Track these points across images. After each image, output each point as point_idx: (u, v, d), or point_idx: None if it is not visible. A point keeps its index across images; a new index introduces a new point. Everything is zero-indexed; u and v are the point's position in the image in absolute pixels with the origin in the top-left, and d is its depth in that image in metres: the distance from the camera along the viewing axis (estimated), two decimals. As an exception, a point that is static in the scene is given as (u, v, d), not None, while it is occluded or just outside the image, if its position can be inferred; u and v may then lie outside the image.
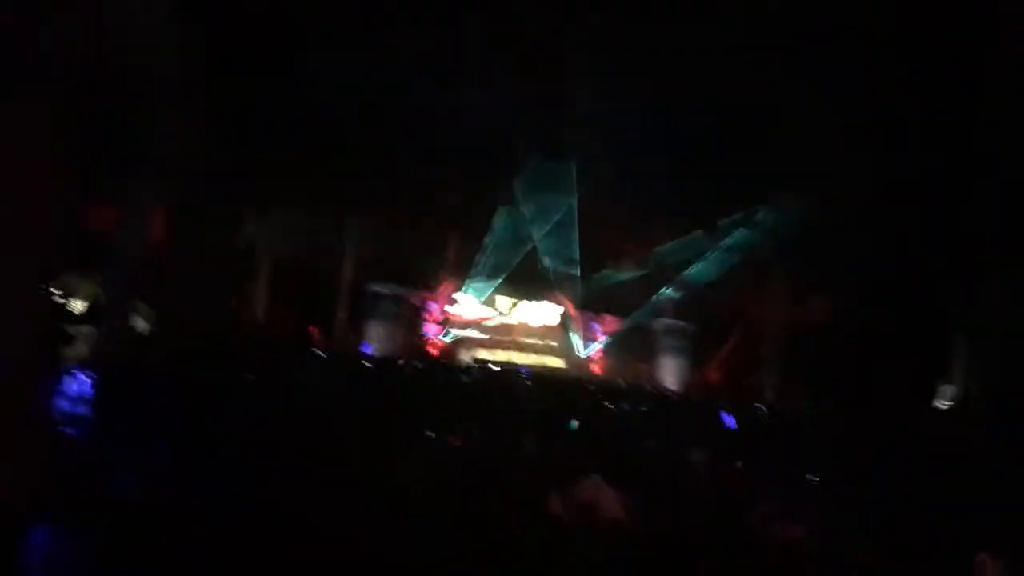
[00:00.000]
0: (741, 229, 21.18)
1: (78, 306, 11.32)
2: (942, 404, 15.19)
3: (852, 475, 6.74)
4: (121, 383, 7.25)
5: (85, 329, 9.07)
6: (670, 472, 6.70)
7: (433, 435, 6.40)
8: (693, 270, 23.33)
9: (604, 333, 25.70)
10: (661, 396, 17.54)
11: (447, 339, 25.37)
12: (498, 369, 21.30)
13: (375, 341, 23.79)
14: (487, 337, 25.62)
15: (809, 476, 6.62)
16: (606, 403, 13.14)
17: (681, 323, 24.72)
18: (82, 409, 5.95)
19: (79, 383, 6.74)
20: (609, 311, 25.56)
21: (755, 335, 23.28)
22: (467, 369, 20.65)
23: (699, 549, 4.64)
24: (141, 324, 12.87)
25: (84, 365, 7.97)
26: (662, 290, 24.73)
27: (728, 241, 21.80)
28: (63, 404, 6.26)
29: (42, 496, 3.60)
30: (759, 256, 21.12)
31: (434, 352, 24.81)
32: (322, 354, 15.98)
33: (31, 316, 3.79)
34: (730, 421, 11.77)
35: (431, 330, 25.43)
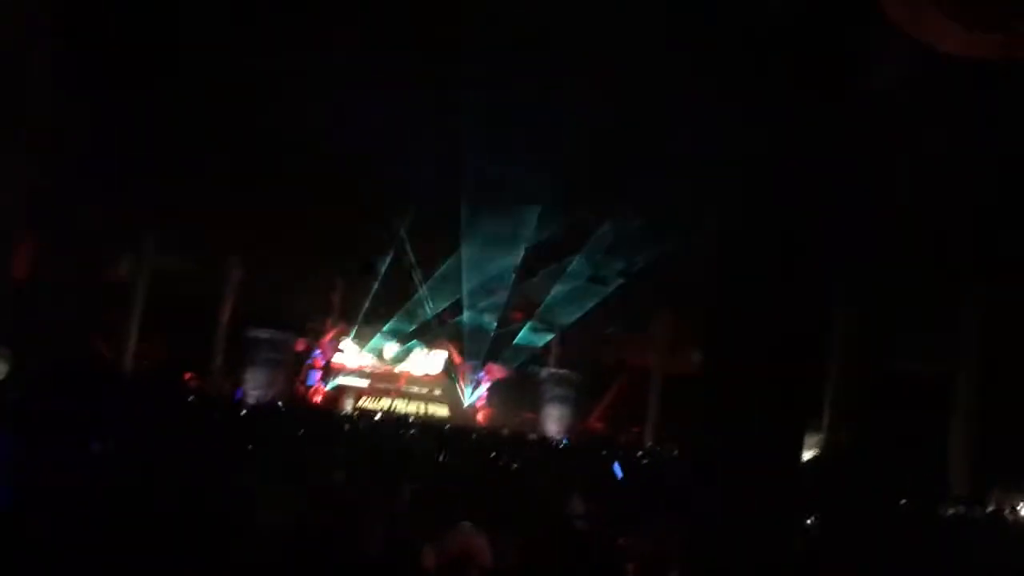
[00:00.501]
0: (623, 282, 21.69)
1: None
2: (809, 453, 15.83)
3: (729, 521, 6.89)
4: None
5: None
6: (548, 520, 6.71)
7: (301, 480, 6.25)
8: (578, 318, 23.75)
9: (489, 381, 25.76)
10: (543, 443, 17.66)
11: (330, 386, 24.90)
12: (380, 417, 21.03)
13: (253, 387, 23.08)
14: (371, 385, 25.30)
15: (685, 522, 6.74)
16: (490, 451, 13.12)
17: (564, 371, 25.02)
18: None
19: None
20: (494, 360, 25.67)
21: (636, 384, 23.82)
22: (349, 416, 20.31)
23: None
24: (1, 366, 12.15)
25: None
26: (547, 339, 25.08)
27: (611, 293, 22.29)
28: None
29: None
30: (639, 307, 21.69)
31: (317, 399, 24.30)
32: (191, 397, 15.41)
33: None
34: (614, 467, 11.91)
35: (313, 377, 24.91)
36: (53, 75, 10.36)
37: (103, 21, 10.92)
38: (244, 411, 14.90)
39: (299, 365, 24.89)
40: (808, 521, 8.02)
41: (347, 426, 15.62)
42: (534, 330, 24.82)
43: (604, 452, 16.10)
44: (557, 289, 23.20)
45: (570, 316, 23.95)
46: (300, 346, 24.74)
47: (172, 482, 5.62)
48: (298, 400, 23.45)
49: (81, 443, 6.19)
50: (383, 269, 20.02)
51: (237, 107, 14.23)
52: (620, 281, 21.49)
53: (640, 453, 17.18)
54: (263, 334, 23.39)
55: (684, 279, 15.96)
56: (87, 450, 6.18)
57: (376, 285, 23.21)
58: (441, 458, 10.64)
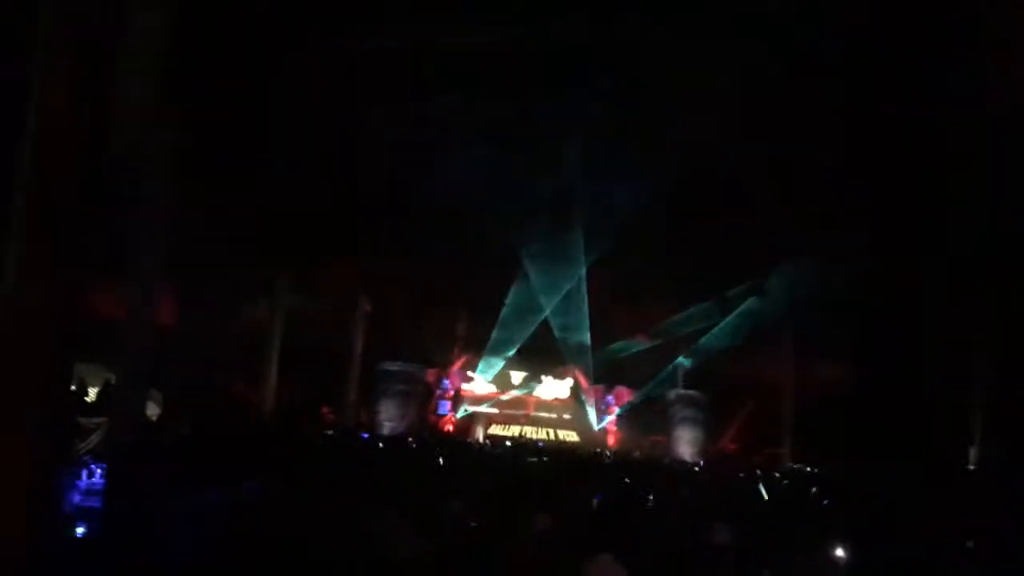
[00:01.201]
0: (750, 297, 21.16)
1: (91, 395, 11.33)
2: (968, 465, 14.94)
3: (880, 542, 6.57)
4: (134, 472, 7.22)
5: (96, 419, 9.07)
6: (690, 551, 6.55)
7: (445, 510, 6.32)
8: (704, 339, 23.31)
9: (618, 405, 25.52)
10: (680, 469, 17.30)
11: (460, 415, 25.22)
12: (511, 444, 21.13)
13: (386, 418, 23.65)
14: (500, 412, 25.46)
15: (834, 549, 6.45)
16: (624, 478, 12.97)
17: (695, 392, 24.53)
18: (94, 502, 5.91)
19: (92, 475, 6.73)
20: (622, 383, 25.44)
21: (770, 401, 23.07)
22: (480, 445, 20.50)
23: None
24: (153, 410, 12.87)
25: (97, 456, 7.96)
26: (675, 360, 24.69)
27: (738, 309, 21.80)
28: (76, 498, 6.23)
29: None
30: (768, 323, 21.09)
31: (448, 429, 24.64)
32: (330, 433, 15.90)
33: (47, 408, 3.81)
34: (759, 489, 11.58)
35: (444, 407, 25.30)
36: (185, 130, 10.97)
37: (227, 73, 11.49)
38: (381, 444, 15.29)
39: (429, 395, 25.33)
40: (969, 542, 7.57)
41: (477, 455, 15.80)
42: (662, 351, 24.47)
43: (742, 475, 15.70)
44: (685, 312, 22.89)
45: (699, 336, 23.53)
46: (430, 377, 25.21)
47: (319, 516, 5.81)
48: (430, 430, 23.84)
49: (232, 482, 6.44)
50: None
51: (359, 155, 14.75)
52: (751, 299, 20.96)
53: (779, 475, 16.62)
54: (393, 367, 23.99)
55: (819, 297, 15.47)
56: (238, 489, 6.42)
57: (503, 313, 23.38)
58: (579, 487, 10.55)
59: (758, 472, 15.64)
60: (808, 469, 17.64)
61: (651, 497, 10.53)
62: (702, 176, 14.78)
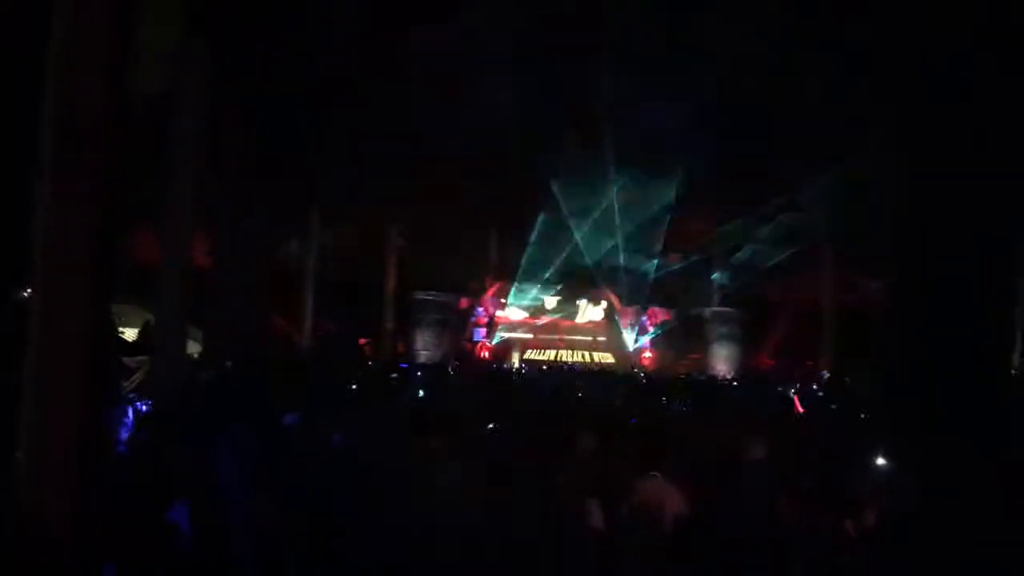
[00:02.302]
0: (787, 211, 20.75)
1: (130, 334, 11.51)
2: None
3: (929, 455, 6.49)
4: (177, 409, 7.33)
5: (139, 358, 9.22)
6: (735, 467, 6.55)
7: (487, 432, 6.38)
8: (740, 255, 23.08)
9: (652, 325, 25.51)
10: (718, 384, 17.32)
11: (495, 341, 25.39)
12: (547, 368, 21.28)
13: (423, 347, 23.91)
14: (535, 337, 25.57)
15: (883, 460, 6.39)
16: (660, 395, 13.03)
17: (731, 309, 24.40)
18: (141, 437, 6.02)
19: (136, 411, 6.83)
20: (657, 303, 25.36)
21: (808, 317, 22.90)
22: (517, 370, 20.66)
23: (768, 546, 4.52)
24: (193, 348, 13.05)
25: (140, 393, 8.09)
26: (711, 278, 24.50)
27: (774, 224, 21.44)
28: (122, 433, 6.34)
29: (98, 530, 3.62)
30: (806, 237, 20.78)
31: (484, 355, 24.86)
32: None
33: (88, 344, 3.82)
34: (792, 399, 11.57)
35: (479, 334, 25.48)
36: (215, 66, 10.87)
37: (253, 20, 11.34)
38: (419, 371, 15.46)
39: (464, 323, 25.51)
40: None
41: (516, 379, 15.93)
42: (697, 269, 24.29)
43: (779, 388, 15.69)
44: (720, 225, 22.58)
45: (732, 252, 23.30)
46: (463, 305, 25.35)
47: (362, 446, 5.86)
48: (466, 356, 24.07)
49: (275, 420, 6.51)
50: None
51: (389, 93, 14.59)
52: (788, 213, 20.57)
53: (816, 387, 16.59)
54: (427, 296, 24.17)
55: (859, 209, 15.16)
56: (279, 426, 6.49)
57: (533, 237, 23.29)
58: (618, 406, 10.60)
59: (796, 385, 15.62)
60: (846, 380, 17.52)
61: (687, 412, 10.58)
62: (735, 87, 14.40)
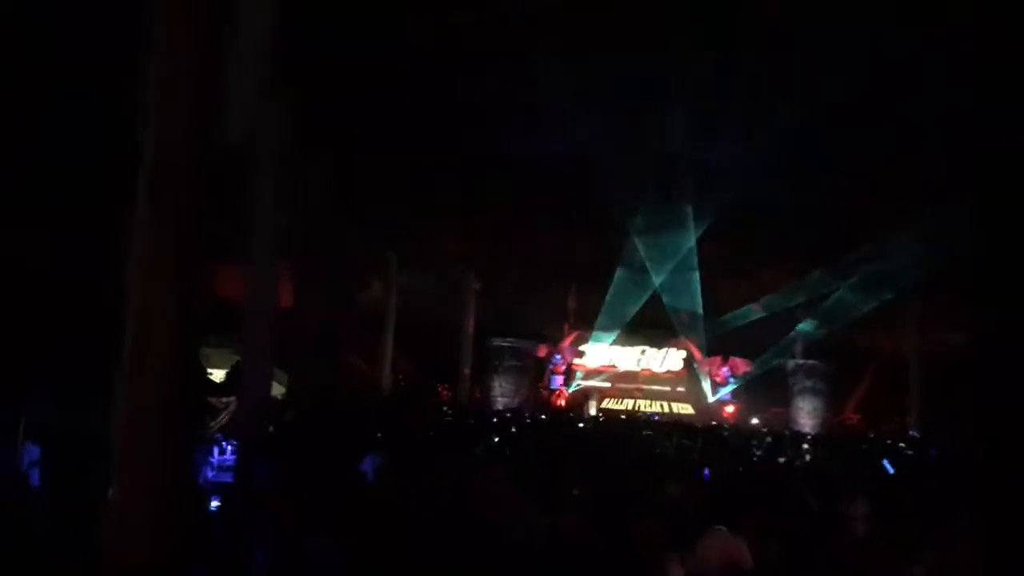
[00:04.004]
0: (872, 262, 20.24)
1: (218, 375, 11.87)
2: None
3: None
4: (263, 449, 7.53)
5: (226, 398, 9.50)
6: (814, 524, 6.38)
7: (563, 487, 6.34)
8: (824, 307, 22.54)
9: (733, 376, 25.03)
10: (802, 439, 16.85)
11: (572, 389, 25.26)
12: (624, 417, 21.05)
13: (500, 394, 23.95)
14: (613, 386, 25.35)
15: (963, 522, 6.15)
16: (745, 450, 12.77)
17: (814, 362, 23.79)
18: (226, 477, 6.20)
19: (223, 451, 7.05)
20: (737, 354, 24.90)
21: (894, 371, 22.17)
22: (594, 419, 20.51)
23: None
24: (277, 389, 13.37)
25: (226, 433, 8.34)
26: (794, 329, 23.95)
27: (859, 275, 20.91)
28: (208, 473, 6.54)
29: (183, 564, 3.75)
30: (891, 289, 20.20)
31: (560, 403, 24.74)
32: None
33: (178, 385, 3.99)
34: (883, 463, 11.16)
35: (556, 381, 25.40)
36: (296, 113, 11.28)
37: (335, 55, 11.72)
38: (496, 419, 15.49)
39: (541, 371, 25.48)
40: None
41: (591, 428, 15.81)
42: (780, 321, 23.78)
43: (865, 446, 15.19)
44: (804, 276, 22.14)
45: (817, 304, 22.77)
46: (541, 352, 25.34)
47: (444, 497, 5.91)
48: (543, 405, 23.99)
49: (353, 462, 6.63)
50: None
51: (468, 135, 14.86)
52: (872, 264, 20.07)
53: (904, 445, 16.01)
54: (505, 343, 24.25)
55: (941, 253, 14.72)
56: (358, 469, 6.60)
57: (613, 286, 23.21)
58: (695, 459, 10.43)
59: (886, 442, 15.12)
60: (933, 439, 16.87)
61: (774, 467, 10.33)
62: (819, 137, 14.22)
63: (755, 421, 22.82)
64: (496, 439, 10.43)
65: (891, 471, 10.66)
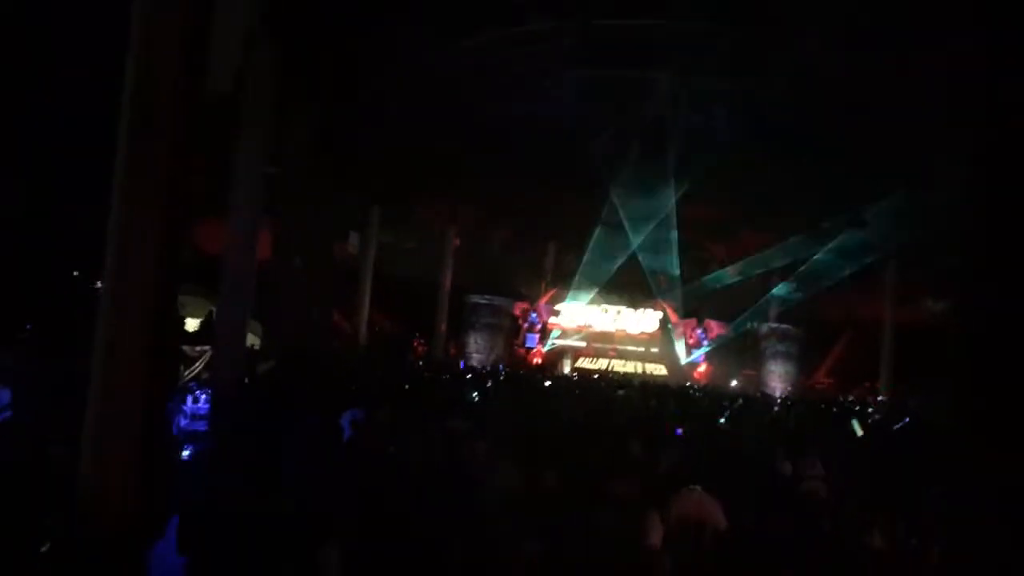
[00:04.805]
0: (849, 230, 20.36)
1: (192, 325, 11.79)
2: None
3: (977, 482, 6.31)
4: (237, 399, 7.51)
5: (200, 347, 9.44)
6: (779, 482, 6.49)
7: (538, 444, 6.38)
8: (799, 272, 22.72)
9: (708, 339, 25.24)
10: (772, 401, 17.08)
11: (548, 348, 25.39)
12: (598, 377, 21.19)
13: (475, 351, 24.03)
14: (588, 345, 25.51)
15: (928, 486, 6.27)
16: (716, 411, 12.89)
17: (786, 326, 24.04)
18: (200, 425, 6.19)
19: (197, 400, 7.03)
20: (712, 316, 25.11)
21: (867, 336, 22.45)
22: (567, 377, 20.63)
23: (803, 562, 4.47)
24: (252, 340, 13.32)
25: (201, 383, 8.31)
26: (769, 293, 24.16)
27: (835, 242, 21.06)
28: (182, 422, 6.53)
29: (160, 513, 3.76)
30: (866, 255, 20.37)
31: (535, 361, 24.87)
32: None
33: (153, 331, 3.96)
34: (854, 425, 11.33)
35: (532, 340, 25.50)
36: (280, 70, 11.11)
37: (319, 20, 11.54)
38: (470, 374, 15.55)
39: (517, 329, 25.56)
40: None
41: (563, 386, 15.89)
42: (755, 284, 23.97)
43: (835, 409, 15.40)
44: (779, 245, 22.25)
45: (793, 268, 22.93)
46: (517, 310, 25.40)
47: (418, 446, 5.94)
48: (517, 362, 24.11)
49: (333, 413, 6.62)
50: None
51: (448, 88, 14.70)
52: (848, 230, 20.18)
53: (872, 409, 16.27)
54: (482, 300, 24.28)
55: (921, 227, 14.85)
56: (338, 420, 6.59)
57: (590, 245, 23.22)
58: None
59: (855, 407, 15.35)
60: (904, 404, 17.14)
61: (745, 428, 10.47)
62: (798, 101, 14.20)
63: (733, 384, 23.04)
64: (475, 395, 10.47)
65: (859, 433, 10.86)
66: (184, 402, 7.34)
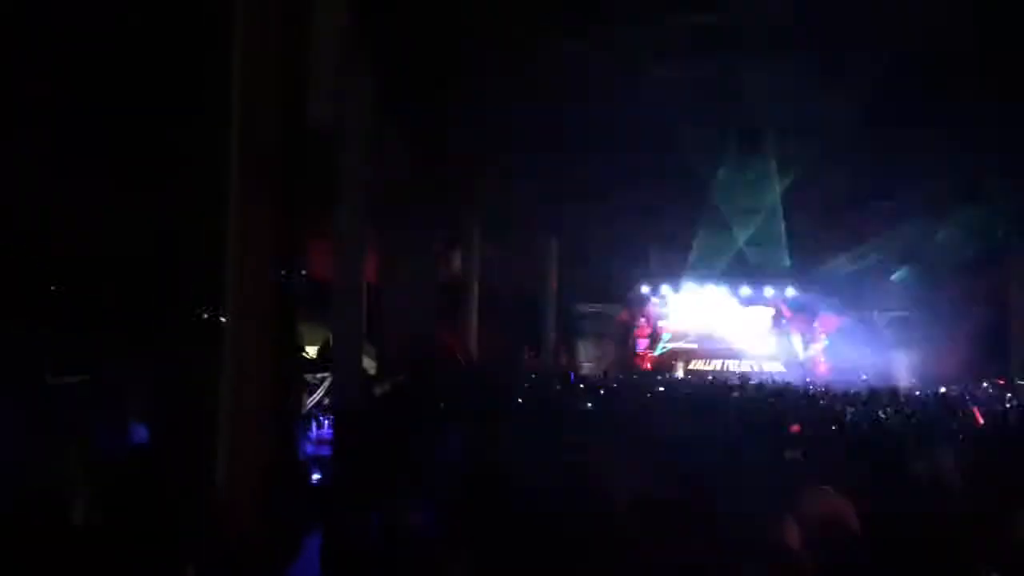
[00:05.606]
0: (969, 210, 19.31)
1: (311, 352, 12.15)
2: None
3: None
4: (358, 424, 7.69)
5: (320, 375, 9.73)
6: (917, 480, 6.21)
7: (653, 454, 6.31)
8: (918, 257, 21.72)
9: (824, 332, 24.42)
10: (897, 395, 16.41)
11: (659, 352, 25.07)
12: (713, 378, 20.81)
13: (585, 359, 23.96)
14: (700, 347, 25.04)
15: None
16: (838, 407, 12.49)
17: (906, 314, 23.01)
18: (324, 451, 6.37)
19: (321, 425, 7.23)
20: (828, 309, 24.26)
21: (993, 321, 21.27)
22: (683, 380, 20.34)
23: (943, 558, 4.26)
24: (368, 363, 13.65)
25: (323, 409, 8.55)
26: (889, 280, 23.15)
27: (959, 225, 20.00)
28: (308, 448, 6.72)
29: (286, 537, 3.86)
30: (989, 237, 19.32)
31: (648, 366, 24.60)
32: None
33: (276, 361, 4.10)
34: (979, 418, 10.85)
35: (641, 344, 25.24)
36: (379, 90, 11.40)
37: (406, 32, 11.76)
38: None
39: (626, 334, 25.34)
40: None
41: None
42: (871, 273, 23.03)
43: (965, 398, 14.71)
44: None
45: (910, 255, 21.94)
46: (624, 315, 25.20)
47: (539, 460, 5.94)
48: (629, 368, 23.89)
49: (446, 431, 6.70)
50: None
51: (544, 95, 14.73)
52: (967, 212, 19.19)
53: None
54: (587, 308, 24.22)
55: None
56: (450, 438, 6.67)
57: (695, 245, 22.82)
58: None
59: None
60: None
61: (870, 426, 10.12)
62: (913, 79, 13.62)
63: (857, 377, 22.18)
64: (588, 404, 10.45)
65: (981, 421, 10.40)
66: (309, 429, 7.56)
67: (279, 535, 3.90)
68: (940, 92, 13.91)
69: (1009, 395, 15.78)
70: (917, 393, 16.91)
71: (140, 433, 6.44)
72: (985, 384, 18.86)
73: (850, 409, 12.26)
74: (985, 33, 12.29)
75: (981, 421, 10.71)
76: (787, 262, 22.98)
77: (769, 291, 24.43)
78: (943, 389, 17.06)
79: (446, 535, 3.97)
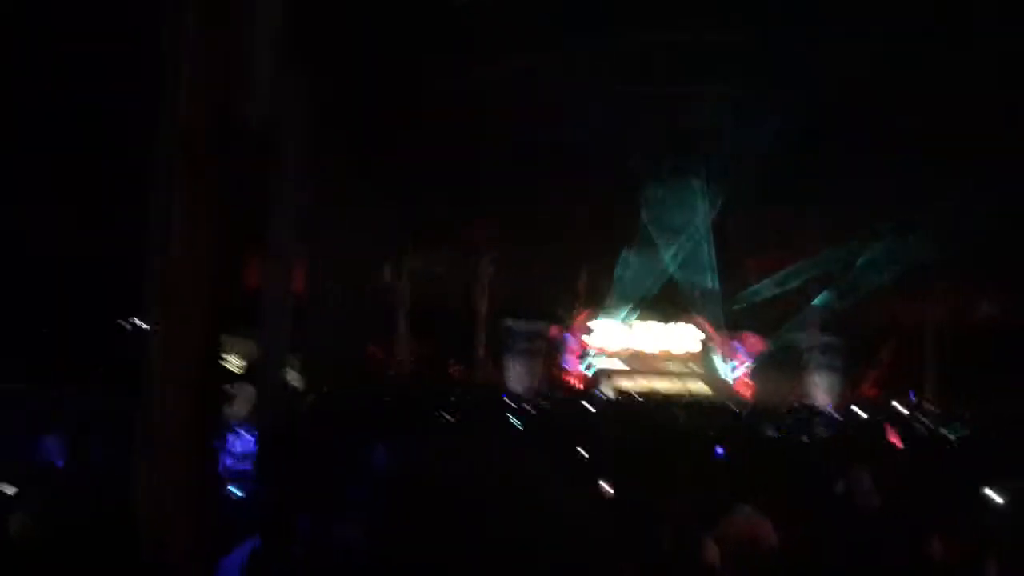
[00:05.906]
0: (893, 236, 19.96)
1: (235, 363, 11.90)
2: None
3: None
4: (281, 437, 7.54)
5: (245, 386, 9.50)
6: (835, 500, 6.36)
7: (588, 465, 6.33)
8: (841, 282, 22.33)
9: (749, 354, 24.91)
10: (818, 416, 16.79)
11: (588, 371, 25.21)
12: (642, 398, 21.00)
13: (513, 375, 23.95)
14: (629, 367, 25.27)
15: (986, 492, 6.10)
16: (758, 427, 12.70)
17: (832, 338, 23.64)
18: (246, 465, 6.23)
19: (242, 440, 7.06)
20: (752, 331, 24.77)
21: (913, 346, 22.03)
22: (610, 400, 20.46)
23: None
24: (293, 376, 13.41)
25: (245, 422, 8.35)
26: (811, 304, 23.75)
27: (879, 250, 20.67)
28: (228, 462, 6.56)
29: (210, 554, 3.76)
30: (911, 263, 20.00)
31: (576, 384, 24.70)
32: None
33: (202, 369, 3.99)
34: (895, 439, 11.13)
35: (571, 363, 25.35)
36: (313, 98, 11.27)
37: (351, 48, 11.67)
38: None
39: (554, 352, 25.43)
40: None
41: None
42: (794, 297, 23.59)
43: (878, 419, 15.10)
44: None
45: (834, 276, 22.55)
46: (553, 332, 25.29)
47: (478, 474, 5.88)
48: (558, 386, 23.96)
49: (368, 444, 6.61)
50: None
51: (477, 112, 14.77)
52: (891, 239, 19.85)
53: (922, 419, 15.92)
54: (517, 324, 24.22)
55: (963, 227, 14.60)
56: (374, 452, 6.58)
57: (624, 264, 23.09)
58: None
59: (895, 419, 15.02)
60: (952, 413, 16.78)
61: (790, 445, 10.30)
62: (838, 109, 14.06)
63: (777, 399, 22.64)
64: (519, 420, 10.44)
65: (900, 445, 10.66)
66: (228, 442, 7.39)
67: (200, 550, 3.80)
68: (861, 124, 14.40)
69: (924, 419, 16.26)
70: (836, 416, 17.34)
71: (55, 446, 6.23)
72: (901, 407, 19.44)
73: (771, 431, 12.48)
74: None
75: (900, 444, 10.97)
76: (714, 285, 23.42)
77: (695, 312, 24.79)
78: (861, 412, 17.50)
79: (372, 547, 3.90)
